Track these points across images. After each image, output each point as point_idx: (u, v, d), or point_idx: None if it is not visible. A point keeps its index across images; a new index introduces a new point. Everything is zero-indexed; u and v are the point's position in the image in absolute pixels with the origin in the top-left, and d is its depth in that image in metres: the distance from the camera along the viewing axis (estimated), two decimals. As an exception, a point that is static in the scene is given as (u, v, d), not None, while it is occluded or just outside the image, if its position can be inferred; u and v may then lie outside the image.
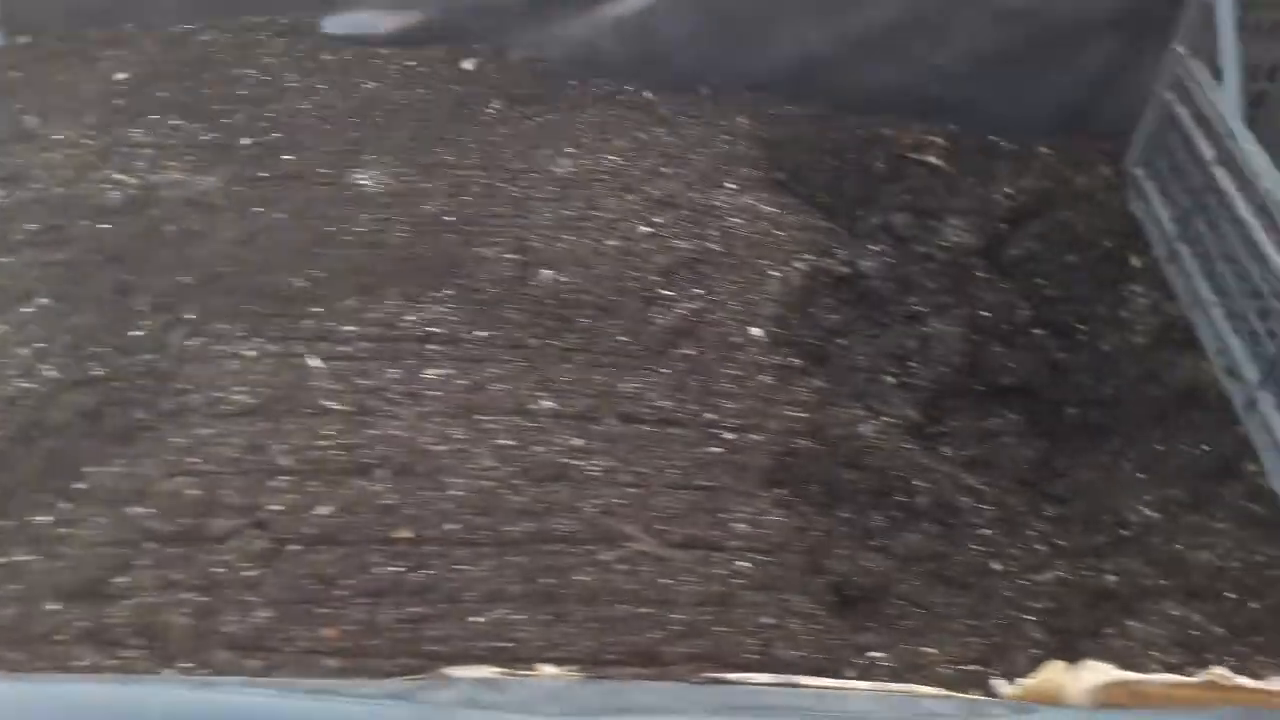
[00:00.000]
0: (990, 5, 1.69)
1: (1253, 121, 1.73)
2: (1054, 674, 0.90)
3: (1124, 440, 1.55)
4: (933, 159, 1.74)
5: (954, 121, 1.78)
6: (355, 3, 1.82)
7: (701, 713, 0.79)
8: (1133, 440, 1.54)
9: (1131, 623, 1.28)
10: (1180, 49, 1.63)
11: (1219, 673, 0.88)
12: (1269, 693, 0.86)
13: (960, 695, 0.89)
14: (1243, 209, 1.47)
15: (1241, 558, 1.35)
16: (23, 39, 1.86)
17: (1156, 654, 1.24)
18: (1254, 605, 1.32)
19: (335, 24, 1.82)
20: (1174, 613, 1.30)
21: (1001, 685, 0.90)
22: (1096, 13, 1.72)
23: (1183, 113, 1.63)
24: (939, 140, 1.77)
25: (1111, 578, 1.33)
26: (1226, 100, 1.49)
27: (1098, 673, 0.88)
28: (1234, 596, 1.33)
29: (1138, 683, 0.88)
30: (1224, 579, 1.34)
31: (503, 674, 0.83)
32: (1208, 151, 1.56)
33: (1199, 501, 1.44)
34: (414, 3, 1.80)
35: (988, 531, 1.31)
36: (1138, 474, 1.49)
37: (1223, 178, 1.52)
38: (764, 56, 1.77)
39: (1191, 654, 1.25)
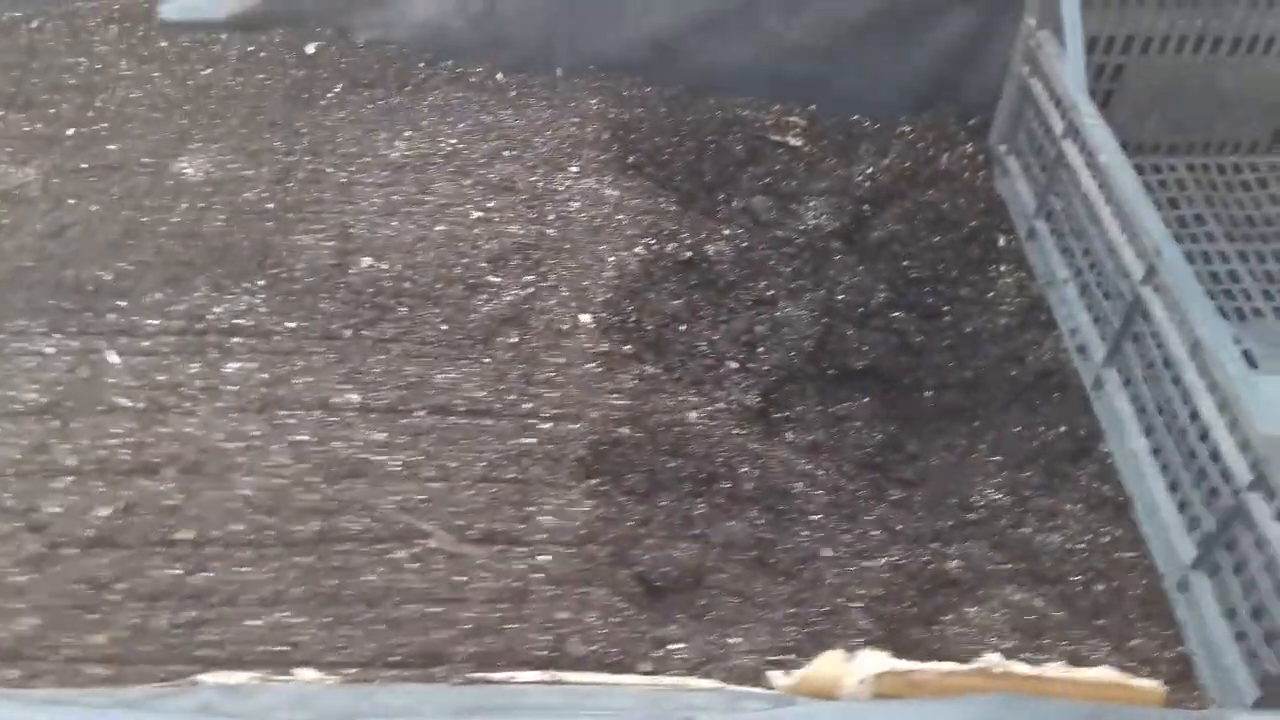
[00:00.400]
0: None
1: (1110, 95, 1.71)
2: (830, 664, 0.86)
3: (981, 423, 1.52)
4: (792, 140, 1.70)
5: (814, 101, 1.74)
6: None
7: (448, 715, 0.75)
8: (990, 423, 1.51)
9: (970, 609, 1.25)
10: (1031, 20, 1.60)
11: (993, 659, 0.84)
12: (1041, 679, 0.83)
13: (730, 687, 0.84)
14: (1086, 183, 1.44)
15: (1088, 540, 1.33)
16: None
17: (994, 639, 1.21)
18: (1099, 588, 1.29)
19: (171, 9, 1.74)
20: (1015, 598, 1.27)
21: (777, 676, 0.85)
22: (953, -15, 1.69)
23: (1036, 86, 1.60)
24: (799, 120, 1.72)
25: (954, 563, 1.30)
26: (1070, 71, 1.47)
27: (874, 662, 0.84)
28: (1079, 578, 1.30)
29: (912, 672, 0.84)
30: (1069, 562, 1.31)
31: (258, 679, 0.77)
32: (1058, 125, 1.53)
33: (1051, 484, 1.41)
34: (248, -15, 1.73)
35: (819, 517, 1.27)
36: (991, 457, 1.46)
37: (1070, 151, 1.49)
38: (617, 36, 1.72)
39: (1029, 639, 1.21)
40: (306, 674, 0.85)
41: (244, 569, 1.07)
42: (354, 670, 1.00)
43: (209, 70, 1.69)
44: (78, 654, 0.99)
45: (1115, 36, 1.63)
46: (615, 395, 1.28)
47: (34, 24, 1.76)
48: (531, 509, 1.15)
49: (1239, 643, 1.10)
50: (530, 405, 1.26)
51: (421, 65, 1.73)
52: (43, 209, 1.47)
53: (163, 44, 1.73)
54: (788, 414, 1.39)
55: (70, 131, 1.61)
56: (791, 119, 1.72)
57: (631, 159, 1.62)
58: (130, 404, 1.22)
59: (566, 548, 1.11)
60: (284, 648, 1.01)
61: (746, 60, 1.71)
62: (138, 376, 1.25)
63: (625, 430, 1.24)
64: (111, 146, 1.58)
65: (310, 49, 1.74)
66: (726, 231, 1.57)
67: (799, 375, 1.44)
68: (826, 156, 1.70)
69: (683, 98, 1.72)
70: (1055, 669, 0.82)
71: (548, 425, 1.23)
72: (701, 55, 1.71)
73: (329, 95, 1.66)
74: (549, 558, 1.10)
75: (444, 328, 1.33)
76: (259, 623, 1.02)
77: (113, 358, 1.27)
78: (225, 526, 1.10)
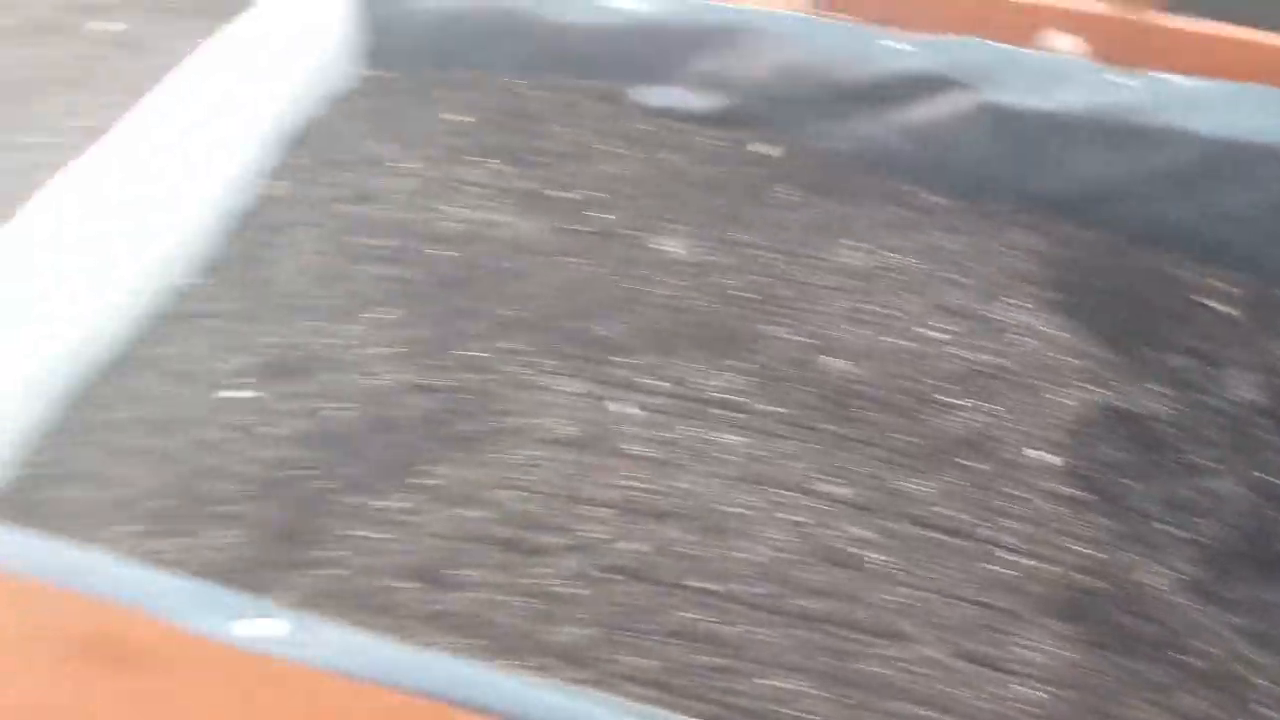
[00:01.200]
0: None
1: None
2: None
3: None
4: (1223, 306, 1.72)
5: (1253, 271, 1.75)
6: (668, 78, 1.99)
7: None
8: None
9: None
10: None
11: None
12: None
13: None
14: None
15: None
16: (376, 73, 2.14)
17: None
18: None
19: (649, 95, 1.99)
20: None
21: None
22: None
23: None
24: (1232, 288, 1.74)
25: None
26: None
27: None
28: None
29: None
30: None
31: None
32: None
33: None
34: (721, 86, 1.95)
35: (1267, 711, 1.27)
36: None
37: None
38: (1058, 176, 1.81)
39: None
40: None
41: (759, 629, 1.20)
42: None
43: (678, 157, 1.92)
44: (628, 671, 1.15)
45: None
46: (1075, 541, 1.34)
47: (532, 91, 2.06)
48: (1007, 638, 1.23)
49: None
50: (991, 533, 1.34)
51: (862, 177, 1.89)
52: (547, 262, 1.72)
53: (636, 125, 1.98)
54: (1224, 592, 1.40)
55: (558, 194, 1.87)
56: (1224, 285, 1.74)
57: (1066, 299, 1.70)
58: (641, 452, 1.41)
59: (1048, 686, 1.18)
60: (801, 714, 1.13)
61: (1187, 220, 1.76)
62: (643, 429, 1.44)
63: (1088, 579, 1.30)
64: (596, 214, 1.82)
65: (765, 149, 1.94)
66: (1156, 389, 1.60)
67: (1232, 553, 1.44)
68: (1258, 329, 1.71)
69: (1119, 245, 1.78)
70: None
71: (1013, 557, 1.31)
72: (1142, 207, 1.77)
73: (785, 196, 1.84)
74: (1031, 691, 1.17)
75: (908, 439, 1.45)
76: (778, 684, 1.15)
77: (621, 408, 1.47)
78: (741, 585, 1.24)
